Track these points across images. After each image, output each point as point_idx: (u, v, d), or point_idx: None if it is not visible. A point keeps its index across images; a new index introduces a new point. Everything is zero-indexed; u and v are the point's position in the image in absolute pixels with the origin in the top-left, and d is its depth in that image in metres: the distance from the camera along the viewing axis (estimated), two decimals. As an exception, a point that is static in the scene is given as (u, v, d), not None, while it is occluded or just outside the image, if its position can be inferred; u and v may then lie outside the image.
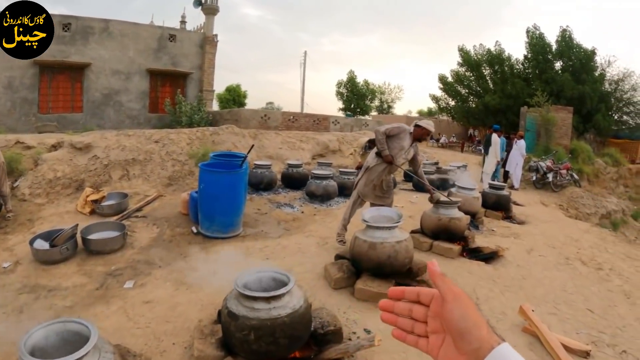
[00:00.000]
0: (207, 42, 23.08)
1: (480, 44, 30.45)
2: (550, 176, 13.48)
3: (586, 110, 24.12)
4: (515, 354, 0.62)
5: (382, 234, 4.34)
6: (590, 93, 24.10)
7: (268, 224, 7.15)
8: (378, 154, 5.65)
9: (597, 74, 25.86)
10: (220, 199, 6.10)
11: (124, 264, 5.33)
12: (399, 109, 63.48)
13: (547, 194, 13.12)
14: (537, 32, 26.66)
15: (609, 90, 26.85)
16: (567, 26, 25.80)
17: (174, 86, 22.25)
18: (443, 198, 6.19)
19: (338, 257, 5.02)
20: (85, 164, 9.06)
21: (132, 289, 4.68)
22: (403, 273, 4.49)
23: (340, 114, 42.47)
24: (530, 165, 14.12)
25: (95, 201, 7.29)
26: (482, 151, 14.65)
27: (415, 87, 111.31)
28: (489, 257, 5.92)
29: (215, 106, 39.60)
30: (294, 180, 10.04)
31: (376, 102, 50.30)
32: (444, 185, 10.72)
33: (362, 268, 4.48)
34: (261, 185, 9.47)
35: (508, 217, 8.79)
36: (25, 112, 18.65)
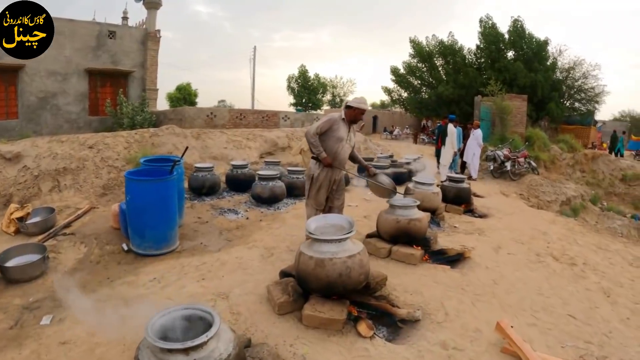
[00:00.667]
0: (149, 38, 21.67)
1: (433, 35, 30.41)
2: (508, 165, 13.16)
3: (538, 98, 24.37)
4: None
5: (330, 248, 3.65)
6: (543, 81, 24.40)
7: (208, 235, 6.39)
8: (317, 159, 5.00)
9: (549, 63, 26.29)
10: (149, 212, 5.32)
11: (43, 293, 4.50)
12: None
13: (506, 183, 12.78)
14: (490, 22, 26.79)
15: (561, 78, 27.45)
16: (519, 16, 26.10)
17: (115, 86, 20.75)
18: (385, 178, 5.55)
19: (283, 274, 4.28)
20: (14, 175, 8.31)
21: (50, 325, 3.82)
22: (358, 291, 3.85)
23: (292, 109, 41.92)
24: (487, 155, 13.80)
25: (20, 219, 6.42)
26: (435, 142, 14.19)
27: (369, 80, 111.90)
28: (454, 259, 5.31)
29: (165, 105, 38.86)
30: (239, 183, 9.25)
31: (328, 96, 50.23)
32: (400, 179, 10.25)
33: (310, 289, 3.77)
34: (203, 190, 8.70)
35: (469, 210, 8.26)
36: (-46, 120, 17.19)
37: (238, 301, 3.89)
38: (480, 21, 26.99)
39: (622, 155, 23.48)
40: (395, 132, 32.91)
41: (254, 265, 5.02)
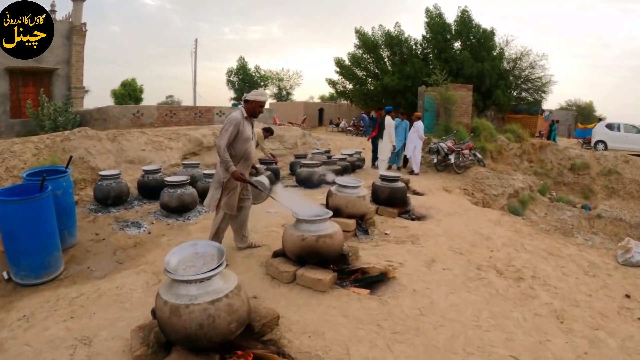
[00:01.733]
0: (74, 33, 19.86)
1: (380, 25, 29.57)
2: (452, 157, 12.34)
3: (486, 87, 24.07)
4: None
5: (189, 290, 2.83)
6: (490, 70, 24.07)
7: (100, 256, 5.63)
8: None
9: (495, 53, 26.02)
10: (19, 236, 4.62)
11: None
12: (298, 95, 62.53)
13: (451, 176, 11.98)
14: (437, 11, 26.28)
15: (508, 68, 27.28)
16: (466, 6, 25.68)
17: (38, 85, 19.07)
18: (263, 178, 5.22)
19: (154, 313, 3.18)
20: None
21: None
22: (241, 335, 3.03)
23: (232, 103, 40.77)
24: (430, 147, 12.96)
25: None
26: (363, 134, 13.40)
27: (317, 73, 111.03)
28: (376, 280, 4.34)
29: (110, 102, 37.05)
30: (151, 190, 8.26)
31: (274, 89, 49.31)
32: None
33: (170, 340, 2.95)
34: (108, 200, 7.89)
35: (406, 212, 7.31)
36: None
37: (100, 349, 3.22)
38: (427, 11, 26.49)
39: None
40: (341, 125, 32.54)
41: (134, 297, 4.26)
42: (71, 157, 6.91)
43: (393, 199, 7.19)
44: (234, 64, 43.83)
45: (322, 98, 49.75)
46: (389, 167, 12.88)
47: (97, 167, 10.31)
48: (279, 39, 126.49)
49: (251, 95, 4.84)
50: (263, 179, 5.22)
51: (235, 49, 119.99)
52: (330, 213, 4.62)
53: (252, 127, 4.96)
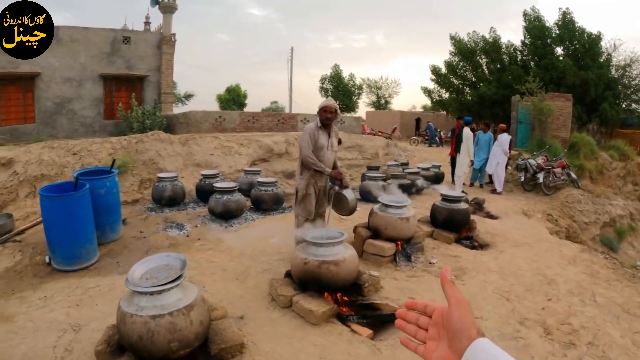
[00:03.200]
0: (164, 42, 21.23)
1: (474, 31, 27.85)
2: (540, 176, 10.93)
3: (590, 98, 21.57)
4: (493, 345, 0.70)
5: (140, 301, 2.84)
6: (595, 80, 21.46)
7: (133, 253, 5.94)
8: (304, 175, 5.07)
9: (602, 60, 23.24)
10: (54, 228, 5.27)
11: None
12: (398, 105, 61.27)
13: (537, 198, 10.57)
14: (535, 14, 24.18)
15: (616, 76, 24.24)
16: (567, 8, 23.24)
17: (130, 90, 20.61)
18: (348, 192, 5.02)
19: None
20: (5, 180, 8.73)
21: None
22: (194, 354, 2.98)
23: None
24: (517, 164, 11.57)
25: None
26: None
27: (421, 81, 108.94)
28: (385, 320, 3.70)
29: (215, 107, 38.92)
30: (206, 194, 8.29)
31: (372, 98, 48.27)
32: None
33: (122, 344, 3.00)
34: (162, 201, 8.25)
35: (467, 237, 6.39)
36: (-24, 126, 17.88)
37: (83, 337, 3.51)
38: (525, 14, 24.36)
39: None
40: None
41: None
42: (114, 160, 7.23)
43: (451, 222, 6.32)
44: (328, 72, 43.47)
45: (425, 107, 48.09)
46: (471, 185, 11.85)
47: (165, 168, 10.64)
48: (382, 46, 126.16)
49: (321, 104, 5.01)
50: (348, 192, 5.03)
51: (338, 57, 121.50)
52: (343, 236, 4.04)
53: (329, 137, 5.06)
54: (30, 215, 7.54)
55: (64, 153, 10.18)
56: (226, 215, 7.40)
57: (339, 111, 5.02)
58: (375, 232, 5.38)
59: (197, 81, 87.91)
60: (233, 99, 40.18)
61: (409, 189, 9.40)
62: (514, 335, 3.50)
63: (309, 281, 3.89)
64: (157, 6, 21.97)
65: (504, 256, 5.61)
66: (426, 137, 27.66)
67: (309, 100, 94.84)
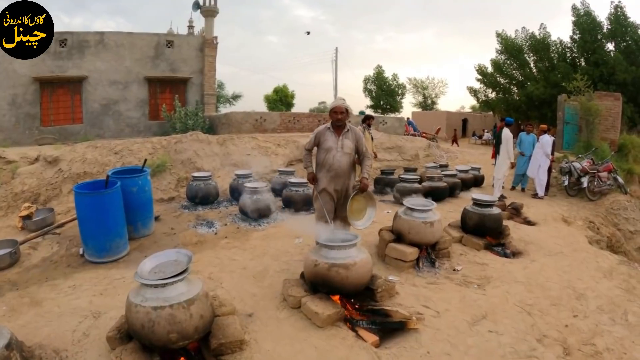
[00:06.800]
0: (206, 45, 22.01)
1: (523, 28, 27.00)
2: (584, 181, 10.40)
3: (643, 97, 20.43)
4: None
5: (145, 293, 3.04)
6: (648, 78, 20.36)
7: (162, 248, 5.93)
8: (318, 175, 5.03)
9: (656, 56, 21.98)
10: (86, 223, 5.67)
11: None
12: (446, 105, 60.27)
13: (581, 204, 10.06)
14: (585, 8, 23.21)
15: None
16: (620, 2, 22.13)
17: (174, 92, 21.27)
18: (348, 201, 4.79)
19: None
20: (50, 177, 9.13)
21: None
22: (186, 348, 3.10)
23: (369, 111, 40.44)
24: (561, 167, 11.05)
25: (26, 217, 7.31)
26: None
27: (469, 82, 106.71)
28: (394, 327, 3.62)
29: (264, 107, 39.58)
30: (240, 193, 8.34)
31: (419, 98, 48.41)
32: (435, 193, 9.03)
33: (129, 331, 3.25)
34: (196, 199, 8.59)
35: (499, 244, 6.15)
36: (29, 126, 19.05)
37: (101, 324, 3.69)
38: (574, 9, 23.41)
39: None
40: (485, 137, 30.38)
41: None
42: (145, 160, 7.58)
43: (482, 228, 6.09)
44: (371, 72, 43.32)
45: (474, 108, 47.23)
46: (512, 189, 11.46)
47: (202, 167, 10.90)
48: (432, 46, 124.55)
49: (331, 104, 4.95)
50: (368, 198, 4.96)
51: (387, 58, 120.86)
52: (356, 239, 3.99)
53: (342, 140, 4.85)
54: (71, 210, 7.85)
55: (106, 152, 10.60)
56: (255, 215, 7.51)
57: (350, 110, 4.88)
58: (399, 236, 5.25)
59: (246, 82, 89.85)
60: (280, 99, 40.60)
61: (441, 193, 9.22)
62: (529, 354, 3.28)
63: (318, 283, 3.87)
64: (199, 10, 22.58)
65: (533, 266, 5.34)
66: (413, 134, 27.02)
67: (356, 100, 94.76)
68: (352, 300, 3.91)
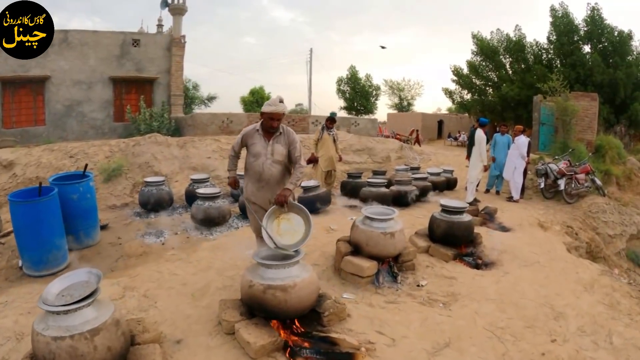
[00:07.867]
0: (174, 44, 21.19)
1: (498, 29, 26.89)
2: (561, 183, 9.96)
3: (620, 99, 20.49)
4: None
5: (48, 320, 2.64)
6: (624, 79, 20.43)
7: (104, 260, 5.86)
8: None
9: (631, 58, 22.01)
10: (21, 233, 5.35)
11: None
12: (421, 106, 60.34)
13: (558, 207, 9.61)
14: (563, 10, 23.11)
15: (647, 76, 23.03)
16: (596, 3, 22.13)
17: (140, 92, 20.51)
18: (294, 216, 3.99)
19: None
20: (4, 182, 8.99)
21: None
22: None
23: (343, 113, 40.15)
24: (537, 169, 10.60)
25: None
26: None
27: (445, 83, 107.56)
28: (339, 358, 3.07)
29: (239, 109, 38.79)
30: (194, 199, 7.84)
31: (395, 100, 48.35)
32: (402, 201, 8.56)
33: None
34: (148, 205, 8.18)
35: (469, 254, 5.61)
36: (-11, 129, 18.28)
37: (22, 347, 3.29)
38: (552, 9, 23.26)
39: None
40: (461, 138, 30.63)
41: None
42: (86, 164, 7.21)
43: (451, 237, 5.53)
44: (361, 75, 42.81)
45: (450, 110, 47.21)
46: (487, 191, 11.02)
47: (160, 172, 10.44)
48: (409, 48, 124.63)
49: (264, 106, 4.06)
50: (293, 216, 3.96)
51: (364, 60, 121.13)
52: (298, 256, 3.42)
53: (271, 145, 4.13)
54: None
55: (61, 155, 10.37)
56: (208, 223, 7.09)
57: (286, 111, 4.15)
58: (357, 248, 4.66)
59: (223, 84, 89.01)
60: (257, 101, 40.00)
61: (407, 197, 8.67)
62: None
63: (254, 307, 3.32)
64: (167, 8, 21.89)
65: (507, 279, 4.76)
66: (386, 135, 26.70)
67: (333, 102, 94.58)
68: (296, 324, 3.34)
